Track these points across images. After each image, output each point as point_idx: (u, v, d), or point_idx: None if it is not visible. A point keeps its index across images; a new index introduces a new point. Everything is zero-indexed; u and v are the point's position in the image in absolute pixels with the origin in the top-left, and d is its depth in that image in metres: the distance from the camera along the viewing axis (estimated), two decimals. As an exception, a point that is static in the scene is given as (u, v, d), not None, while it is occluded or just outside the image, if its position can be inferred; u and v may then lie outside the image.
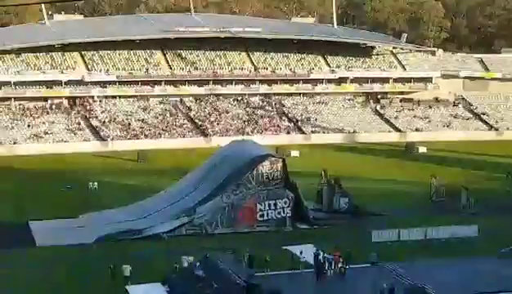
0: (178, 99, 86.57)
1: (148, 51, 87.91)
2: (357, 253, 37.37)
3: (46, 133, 77.00)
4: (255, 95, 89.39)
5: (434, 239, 42.76)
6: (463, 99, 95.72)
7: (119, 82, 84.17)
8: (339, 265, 36.01)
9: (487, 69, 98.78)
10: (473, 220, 45.41)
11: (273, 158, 46.76)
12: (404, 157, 75.18)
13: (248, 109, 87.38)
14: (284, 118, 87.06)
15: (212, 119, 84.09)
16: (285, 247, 39.73)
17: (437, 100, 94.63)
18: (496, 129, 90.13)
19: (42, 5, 79.37)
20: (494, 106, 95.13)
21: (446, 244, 41.76)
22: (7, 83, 79.72)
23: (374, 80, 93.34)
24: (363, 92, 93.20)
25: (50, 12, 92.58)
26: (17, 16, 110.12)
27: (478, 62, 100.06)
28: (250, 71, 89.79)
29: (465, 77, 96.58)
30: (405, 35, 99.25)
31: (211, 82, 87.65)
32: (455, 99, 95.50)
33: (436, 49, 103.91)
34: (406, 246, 41.51)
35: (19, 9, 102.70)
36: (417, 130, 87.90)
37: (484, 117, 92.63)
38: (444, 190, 54.99)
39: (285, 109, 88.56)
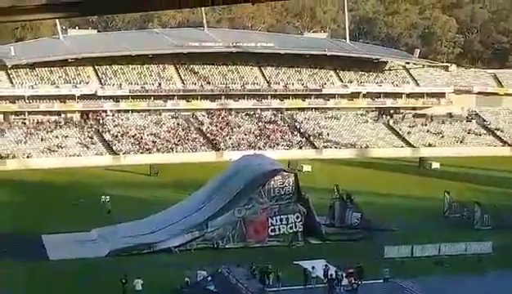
0: (190, 113, 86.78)
1: (161, 66, 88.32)
2: (369, 269, 37.09)
3: (59, 147, 77.32)
4: (267, 109, 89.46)
5: (448, 255, 42.42)
6: (476, 114, 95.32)
7: (131, 96, 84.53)
8: (351, 281, 35.76)
9: (500, 85, 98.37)
10: (488, 237, 45.03)
11: (285, 173, 46.65)
12: (417, 172, 74.81)
13: (260, 123, 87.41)
14: (296, 132, 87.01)
15: (224, 133, 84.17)
16: (296, 262, 39.53)
17: (450, 115, 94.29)
18: (510, 145, 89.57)
19: (57, 20, 79.95)
20: (508, 122, 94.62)
21: (460, 260, 41.40)
22: (21, 97, 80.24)
23: (386, 95, 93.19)
24: (376, 107, 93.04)
25: (64, 27, 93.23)
26: (32, 31, 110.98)
27: (492, 77, 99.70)
28: (262, 86, 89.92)
29: (479, 93, 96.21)
30: (418, 50, 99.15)
31: (223, 97, 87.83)
32: (468, 114, 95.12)
33: (449, 64, 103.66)
34: (420, 262, 41.19)
35: (33, 23, 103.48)
36: (430, 145, 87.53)
37: (498, 132, 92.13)
38: (458, 206, 54.58)
39: (297, 124, 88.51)
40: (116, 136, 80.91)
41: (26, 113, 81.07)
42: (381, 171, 74.77)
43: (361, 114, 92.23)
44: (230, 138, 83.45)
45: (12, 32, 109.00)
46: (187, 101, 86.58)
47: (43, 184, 64.10)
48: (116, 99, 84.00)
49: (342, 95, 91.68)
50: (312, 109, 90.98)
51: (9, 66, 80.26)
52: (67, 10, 6.71)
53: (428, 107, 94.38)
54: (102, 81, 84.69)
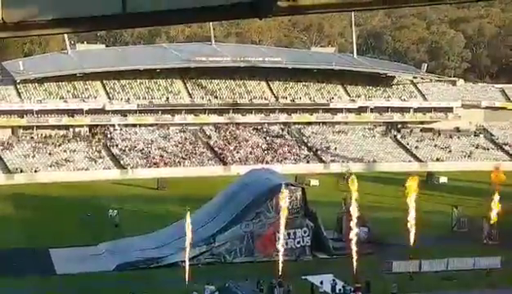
0: (198, 127, 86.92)
1: (169, 80, 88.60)
2: (377, 284, 36.94)
3: (67, 161, 77.53)
4: (275, 123, 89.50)
5: (456, 270, 42.20)
6: (484, 129, 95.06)
7: (139, 110, 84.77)
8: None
9: (508, 99, 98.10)
10: (496, 252, 44.80)
11: (292, 187, 46.62)
12: (424, 187, 74.48)
13: (267, 137, 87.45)
14: (303, 146, 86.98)
15: (231, 148, 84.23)
16: (304, 277, 39.40)
17: (458, 129, 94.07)
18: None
19: (65, 35, 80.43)
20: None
21: (469, 275, 41.18)
22: (30, 112, 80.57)
23: (394, 110, 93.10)
24: (383, 122, 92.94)
25: (72, 42, 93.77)
26: (40, 46, 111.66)
27: (500, 92, 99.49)
28: (270, 100, 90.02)
29: (486, 108, 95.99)
30: (425, 65, 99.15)
31: (231, 111, 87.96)
32: (476, 129, 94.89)
33: (457, 79, 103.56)
34: (428, 277, 40.99)
35: (42, 38, 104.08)
36: (438, 160, 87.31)
37: (506, 147, 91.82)
38: (466, 221, 54.35)
39: (304, 138, 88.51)
40: (124, 150, 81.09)
41: (34, 128, 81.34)
42: (389, 185, 74.53)
43: (369, 129, 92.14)
44: (237, 152, 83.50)
45: (21, 47, 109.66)
46: (195, 115, 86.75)
47: (51, 198, 64.19)
48: (124, 113, 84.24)
49: (349, 110, 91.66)
50: (319, 123, 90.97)
51: (18, 81, 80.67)
52: (77, 25, 6.73)
53: (435, 121, 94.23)
54: (110, 95, 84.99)
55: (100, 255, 45.59)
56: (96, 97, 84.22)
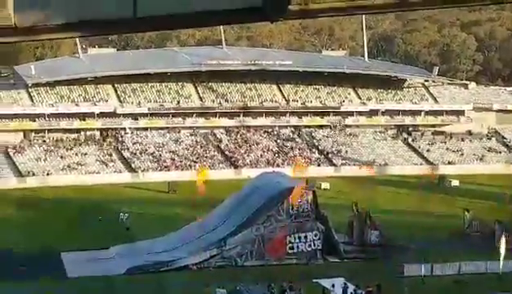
0: (209, 131, 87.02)
1: (179, 84, 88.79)
2: (388, 287, 36.82)
3: (78, 164, 77.82)
4: (286, 127, 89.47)
5: (468, 274, 42.00)
6: (496, 132, 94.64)
7: (150, 114, 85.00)
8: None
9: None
10: (509, 256, 44.54)
11: (303, 191, 46.55)
12: (436, 190, 74.29)
13: (278, 140, 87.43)
14: (314, 150, 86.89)
15: (242, 151, 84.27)
16: (315, 281, 39.33)
17: (469, 132, 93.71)
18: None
19: (77, 39, 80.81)
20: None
21: (481, 279, 40.97)
22: (42, 115, 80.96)
23: (405, 113, 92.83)
24: (394, 125, 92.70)
25: (84, 46, 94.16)
26: (52, 50, 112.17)
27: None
28: (281, 103, 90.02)
29: (498, 111, 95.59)
30: (437, 68, 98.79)
31: (242, 114, 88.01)
32: (488, 132, 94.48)
33: (468, 82, 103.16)
34: (440, 280, 40.81)
35: (54, 42, 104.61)
36: (449, 163, 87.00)
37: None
38: (478, 224, 54.09)
39: (315, 141, 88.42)
40: (135, 154, 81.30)
41: (46, 131, 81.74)
42: (400, 188, 74.37)
43: (380, 132, 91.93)
44: (248, 155, 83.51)
45: (33, 51, 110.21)
46: (206, 119, 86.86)
47: (62, 202, 64.44)
48: (135, 116, 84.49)
49: (360, 113, 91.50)
50: (330, 126, 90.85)
51: (30, 85, 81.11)
52: (88, 29, 6.73)
53: (447, 124, 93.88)
54: (121, 99, 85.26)
55: (111, 258, 45.67)
56: (107, 101, 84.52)
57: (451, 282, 40.41)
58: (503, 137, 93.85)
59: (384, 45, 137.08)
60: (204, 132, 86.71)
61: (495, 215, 55.60)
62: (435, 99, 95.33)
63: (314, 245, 45.50)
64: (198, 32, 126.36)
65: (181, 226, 49.79)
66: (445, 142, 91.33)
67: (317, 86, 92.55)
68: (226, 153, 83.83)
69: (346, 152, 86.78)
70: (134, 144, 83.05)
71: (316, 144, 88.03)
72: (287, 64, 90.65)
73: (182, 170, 79.13)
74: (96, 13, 6.54)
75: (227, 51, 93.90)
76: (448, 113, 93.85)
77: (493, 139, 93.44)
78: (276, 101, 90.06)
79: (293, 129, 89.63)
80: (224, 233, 45.23)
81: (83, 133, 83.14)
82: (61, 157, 78.80)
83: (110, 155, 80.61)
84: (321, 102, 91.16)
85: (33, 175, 74.70)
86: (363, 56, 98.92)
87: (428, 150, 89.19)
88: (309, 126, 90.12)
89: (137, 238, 49.35)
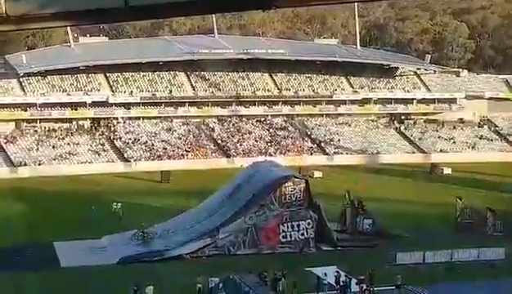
0: (201, 120, 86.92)
1: (171, 73, 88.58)
2: (381, 275, 36.96)
3: (70, 154, 77.63)
4: (278, 116, 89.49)
5: (460, 262, 42.22)
6: (488, 120, 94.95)
7: (142, 103, 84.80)
8: (363, 288, 35.64)
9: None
10: (500, 243, 44.78)
11: (296, 179, 46.62)
12: (428, 178, 74.55)
13: (271, 130, 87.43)
14: (307, 138, 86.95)
15: (235, 140, 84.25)
16: (308, 269, 39.45)
17: (461, 121, 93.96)
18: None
19: (68, 28, 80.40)
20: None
21: (473, 267, 41.19)
22: (33, 105, 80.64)
23: (397, 101, 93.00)
24: (387, 113, 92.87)
25: (75, 35, 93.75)
26: (43, 39, 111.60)
27: (504, 83, 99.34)
28: (273, 92, 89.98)
29: (490, 98, 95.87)
30: (429, 56, 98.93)
31: (234, 104, 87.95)
32: (480, 120, 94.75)
33: (460, 70, 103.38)
34: (432, 268, 41.01)
35: (45, 31, 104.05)
36: (442, 151, 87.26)
37: (510, 138, 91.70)
38: (470, 212, 54.30)
39: (307, 130, 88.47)
40: (127, 143, 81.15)
41: (38, 121, 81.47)
42: (392, 176, 74.57)
43: (372, 120, 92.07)
44: (241, 145, 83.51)
45: (24, 40, 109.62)
46: (198, 108, 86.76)
47: (55, 192, 64.34)
48: (127, 106, 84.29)
49: (353, 102, 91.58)
50: (322, 115, 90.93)
51: (21, 74, 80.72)
52: (79, 18, 6.70)
53: (439, 113, 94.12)
54: (113, 88, 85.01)
55: (103, 248, 45.66)
56: (99, 90, 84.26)
57: (444, 270, 40.59)
58: (495, 125, 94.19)
59: (376, 33, 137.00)
60: (197, 121, 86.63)
61: (487, 203, 55.85)
62: (427, 87, 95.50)
63: (307, 233, 45.60)
64: (189, 20, 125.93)
65: (174, 215, 49.78)
66: (437, 130, 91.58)
67: (309, 75, 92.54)
68: (219, 142, 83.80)
69: (338, 140, 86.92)
70: (126, 133, 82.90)
71: (309, 132, 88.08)
72: (279, 52, 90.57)
73: (175, 159, 79.08)
74: (88, 2, 6.52)
75: (219, 39, 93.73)
76: (440, 101, 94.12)
77: (485, 127, 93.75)
78: (268, 90, 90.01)
79: (285, 118, 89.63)
80: (217, 223, 45.28)
81: (74, 123, 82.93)
82: (53, 146, 78.58)
83: (103, 145, 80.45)
84: (313, 91, 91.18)
85: (25, 165, 74.49)
86: (355, 45, 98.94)
87: (420, 138, 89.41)
88: (302, 115, 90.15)
89: (130, 227, 49.30)
